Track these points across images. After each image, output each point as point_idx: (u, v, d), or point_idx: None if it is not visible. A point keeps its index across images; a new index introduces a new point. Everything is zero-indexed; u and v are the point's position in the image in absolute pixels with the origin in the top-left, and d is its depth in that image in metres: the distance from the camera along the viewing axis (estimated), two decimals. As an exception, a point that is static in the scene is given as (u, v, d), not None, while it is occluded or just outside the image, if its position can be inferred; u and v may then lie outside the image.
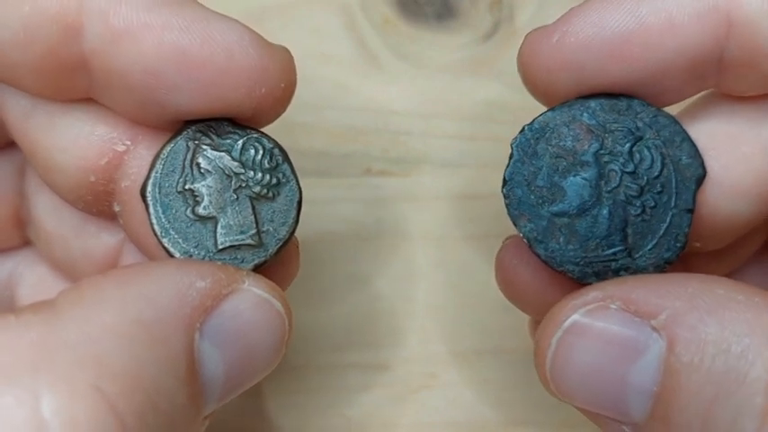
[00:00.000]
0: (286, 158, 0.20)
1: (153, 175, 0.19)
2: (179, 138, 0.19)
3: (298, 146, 0.28)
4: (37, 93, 0.19)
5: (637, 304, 0.17)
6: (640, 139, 0.19)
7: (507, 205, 0.20)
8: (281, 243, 0.19)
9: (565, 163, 0.19)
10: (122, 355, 0.15)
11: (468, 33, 0.29)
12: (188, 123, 0.19)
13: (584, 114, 0.19)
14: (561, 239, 0.19)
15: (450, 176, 0.28)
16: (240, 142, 0.19)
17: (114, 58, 0.18)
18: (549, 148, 0.19)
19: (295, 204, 0.20)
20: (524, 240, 0.19)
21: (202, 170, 0.19)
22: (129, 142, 0.20)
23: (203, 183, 0.19)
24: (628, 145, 0.19)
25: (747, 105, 0.19)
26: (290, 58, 0.20)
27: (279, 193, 0.20)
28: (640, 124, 0.19)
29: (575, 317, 0.18)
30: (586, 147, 0.19)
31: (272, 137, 0.20)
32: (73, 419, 0.14)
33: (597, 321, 0.17)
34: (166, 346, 0.16)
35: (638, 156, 0.19)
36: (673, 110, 0.20)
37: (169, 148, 0.19)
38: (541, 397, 0.27)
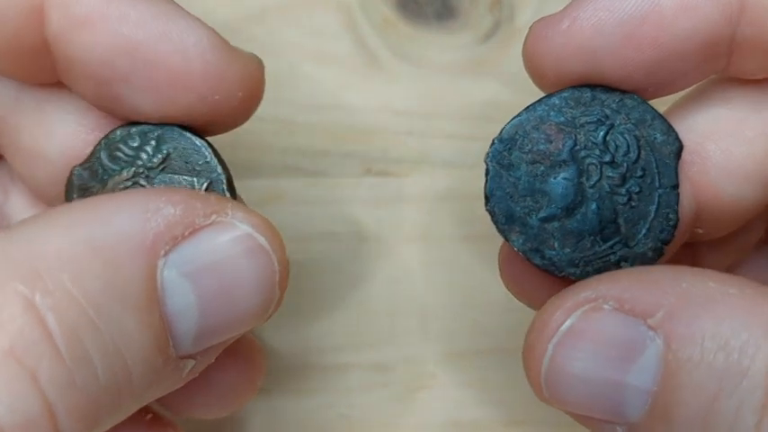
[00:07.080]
0: (159, 126, 0.19)
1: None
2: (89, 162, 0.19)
3: (298, 146, 0.27)
4: (7, 74, 0.19)
5: (631, 303, 0.17)
6: (612, 126, 0.19)
7: (495, 222, 0.19)
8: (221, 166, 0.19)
9: (542, 167, 0.19)
10: (62, 273, 0.15)
11: (468, 33, 0.29)
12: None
13: (551, 114, 0.19)
14: (556, 245, 0.19)
15: (451, 176, 0.28)
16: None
17: (73, 45, 0.18)
18: (524, 155, 0.19)
19: (200, 143, 0.19)
20: (520, 253, 0.19)
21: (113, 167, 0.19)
22: None
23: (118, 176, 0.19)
24: (601, 135, 0.19)
25: (749, 89, 0.19)
26: (258, 67, 0.19)
27: (176, 153, 0.19)
28: (608, 111, 0.19)
29: (569, 321, 0.17)
30: (560, 146, 0.19)
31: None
32: (1, 323, 0.14)
33: (593, 324, 0.17)
34: (116, 269, 0.16)
35: (613, 144, 0.19)
36: (669, 99, 0.20)
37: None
38: (541, 397, 0.27)
